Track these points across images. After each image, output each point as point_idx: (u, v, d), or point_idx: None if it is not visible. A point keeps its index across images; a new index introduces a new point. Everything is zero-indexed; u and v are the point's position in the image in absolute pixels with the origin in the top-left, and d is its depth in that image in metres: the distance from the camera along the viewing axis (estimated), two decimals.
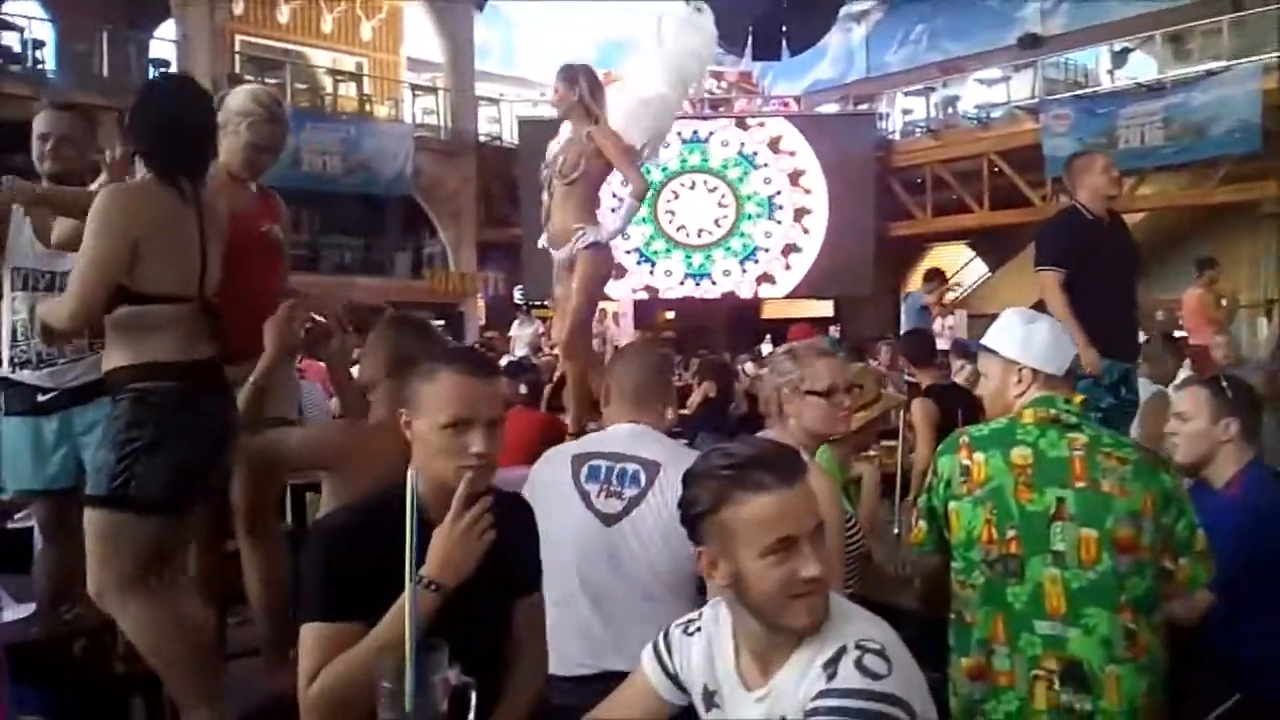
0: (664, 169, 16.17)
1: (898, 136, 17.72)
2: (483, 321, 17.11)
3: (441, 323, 16.04)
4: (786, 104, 18.91)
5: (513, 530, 1.83)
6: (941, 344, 7.94)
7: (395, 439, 1.87)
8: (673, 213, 16.53)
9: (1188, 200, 14.70)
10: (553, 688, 2.05)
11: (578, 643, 2.22)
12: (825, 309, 18.06)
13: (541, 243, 3.86)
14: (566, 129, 3.85)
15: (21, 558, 3.00)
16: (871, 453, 3.92)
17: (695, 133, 16.71)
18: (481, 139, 17.70)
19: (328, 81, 17.07)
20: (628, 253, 15.85)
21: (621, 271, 15.40)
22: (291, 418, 3.01)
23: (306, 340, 2.81)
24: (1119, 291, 4.19)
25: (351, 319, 2.94)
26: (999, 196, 16.04)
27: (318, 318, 2.88)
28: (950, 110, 17.29)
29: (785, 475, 1.46)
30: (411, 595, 1.50)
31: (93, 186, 2.80)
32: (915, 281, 16.79)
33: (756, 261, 16.73)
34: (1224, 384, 2.64)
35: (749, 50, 11.68)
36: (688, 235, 16.69)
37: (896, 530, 3.09)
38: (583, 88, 3.73)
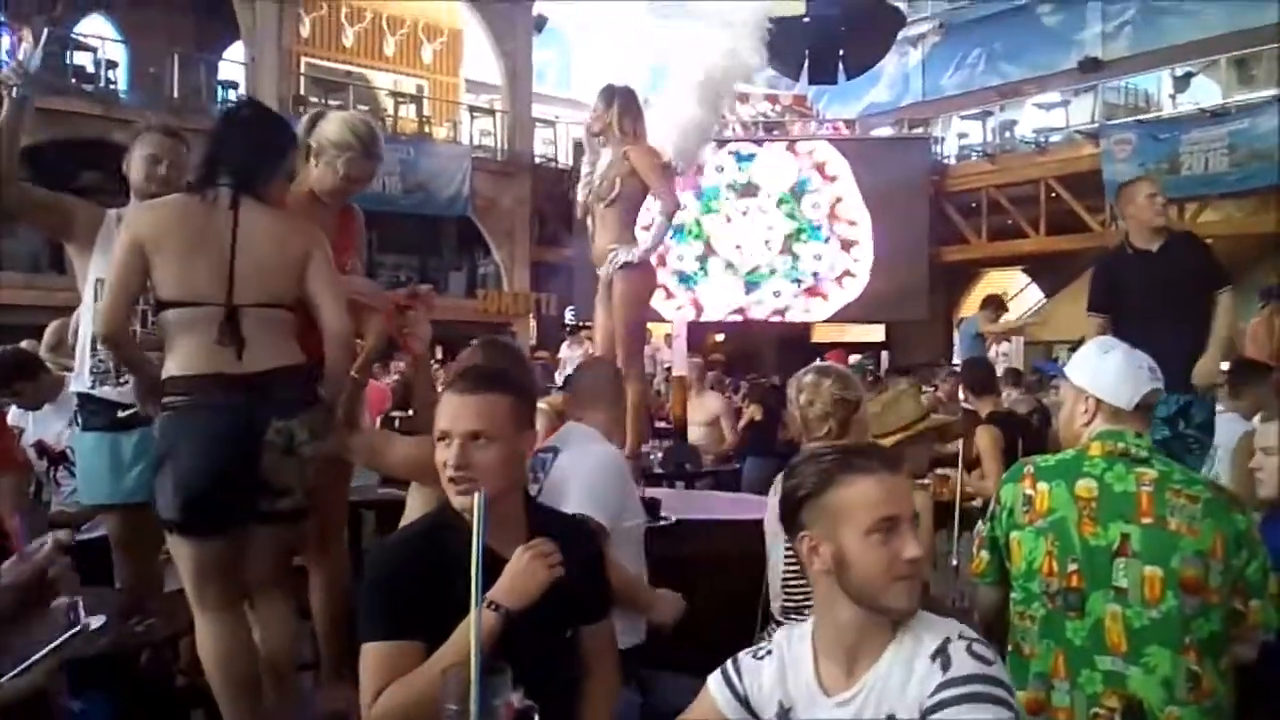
0: (714, 192, 16.21)
1: (953, 160, 17.59)
2: (534, 341, 17.23)
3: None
4: (838, 128, 18.87)
5: (578, 557, 1.85)
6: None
7: None
8: (724, 235, 16.55)
9: (1253, 227, 14.38)
10: None
11: None
12: (877, 333, 17.93)
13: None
14: (605, 152, 3.85)
15: (104, 570, 3.06)
16: (925, 481, 3.88)
17: (747, 155, 16.73)
18: (537, 160, 17.89)
19: (389, 103, 17.38)
20: (677, 275, 15.91)
21: (669, 293, 15.46)
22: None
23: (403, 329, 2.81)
24: (1169, 319, 3.99)
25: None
26: (1056, 222, 15.83)
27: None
28: (1007, 134, 17.14)
29: (887, 463, 1.56)
30: (477, 618, 1.50)
31: None
32: (969, 306, 16.62)
33: (807, 285, 16.68)
34: None
35: (805, 74, 11.66)
36: (739, 258, 16.69)
37: (955, 562, 3.06)
38: (618, 108, 3.75)
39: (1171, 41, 17.17)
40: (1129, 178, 14.14)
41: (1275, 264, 13.42)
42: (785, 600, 2.54)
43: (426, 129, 17.25)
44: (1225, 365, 4.51)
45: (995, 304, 8.65)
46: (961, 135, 17.85)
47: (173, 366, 2.44)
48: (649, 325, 9.94)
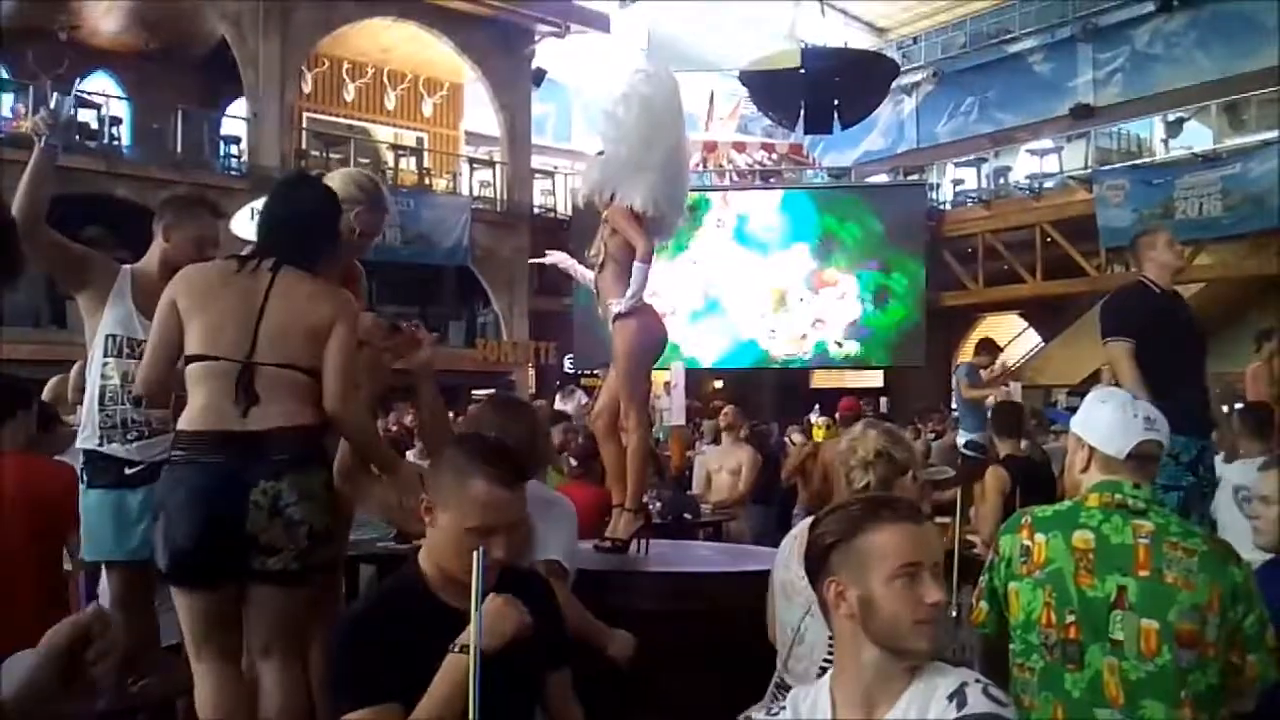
0: (705, 238, 16.34)
1: (948, 206, 17.74)
2: (533, 390, 17.26)
3: (492, 391, 16.24)
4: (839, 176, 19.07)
5: (538, 607, 1.92)
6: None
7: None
8: (721, 281, 16.65)
9: (1248, 271, 14.48)
10: None
11: None
12: (875, 379, 17.96)
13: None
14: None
15: None
16: None
17: (743, 203, 16.89)
18: (535, 210, 18.05)
19: (389, 156, 17.58)
20: (671, 316, 16.00)
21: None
22: None
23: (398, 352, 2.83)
24: (1190, 366, 4.05)
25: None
26: (1052, 266, 15.94)
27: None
28: (1002, 180, 17.30)
29: (912, 513, 1.63)
30: (475, 671, 1.56)
31: None
32: (968, 351, 16.66)
33: (805, 331, 16.75)
34: None
35: (801, 124, 11.84)
36: (737, 304, 16.78)
37: (955, 613, 3.04)
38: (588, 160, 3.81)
39: (1162, 88, 17.44)
40: (1124, 223, 14.30)
41: (1270, 307, 13.50)
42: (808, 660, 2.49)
43: (427, 180, 17.43)
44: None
45: (988, 347, 8.66)
46: (957, 182, 18.02)
47: (183, 421, 2.48)
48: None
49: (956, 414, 9.40)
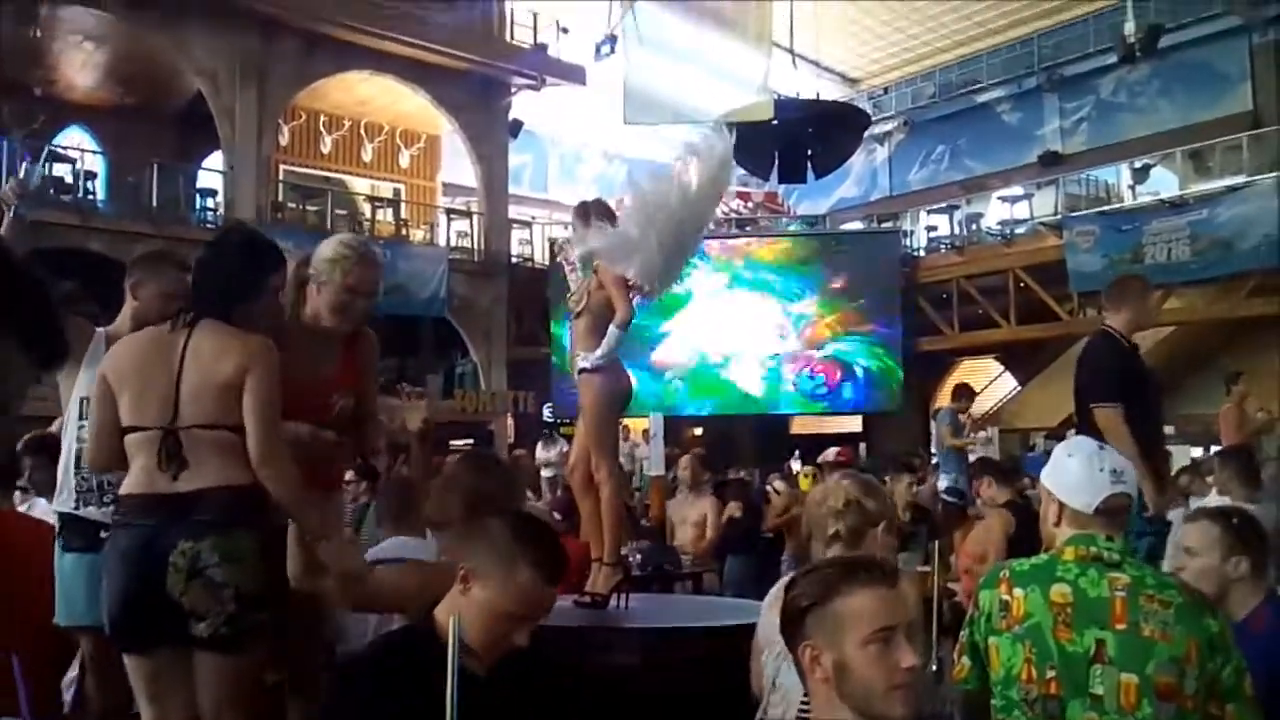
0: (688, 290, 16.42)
1: (922, 253, 17.94)
2: (512, 439, 17.19)
3: (470, 441, 16.15)
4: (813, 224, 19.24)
5: (545, 682, 1.95)
6: (972, 458, 7.91)
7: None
8: (700, 329, 16.72)
9: (1216, 314, 14.68)
10: None
11: None
12: (854, 424, 18.01)
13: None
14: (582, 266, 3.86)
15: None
16: None
17: (719, 251, 17.01)
18: (513, 260, 18.10)
19: (366, 207, 17.62)
20: (651, 368, 16.02)
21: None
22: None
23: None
24: (1156, 418, 4.14)
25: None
26: (1026, 311, 16.10)
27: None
28: (974, 227, 17.52)
29: (885, 575, 1.65)
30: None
31: None
32: (945, 396, 16.76)
33: (783, 377, 16.81)
34: (1234, 520, 2.53)
35: (775, 174, 11.99)
36: (715, 351, 16.84)
37: (934, 666, 3.00)
38: (591, 224, 3.79)
39: (1127, 136, 17.82)
40: (1094, 268, 14.46)
41: (1239, 350, 13.69)
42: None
43: (404, 232, 17.47)
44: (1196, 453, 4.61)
45: (965, 393, 8.72)
46: (930, 228, 18.23)
47: (123, 486, 2.49)
48: (627, 421, 9.97)
49: (936, 460, 9.43)
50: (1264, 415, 9.67)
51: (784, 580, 2.73)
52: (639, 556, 5.74)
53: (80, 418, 2.92)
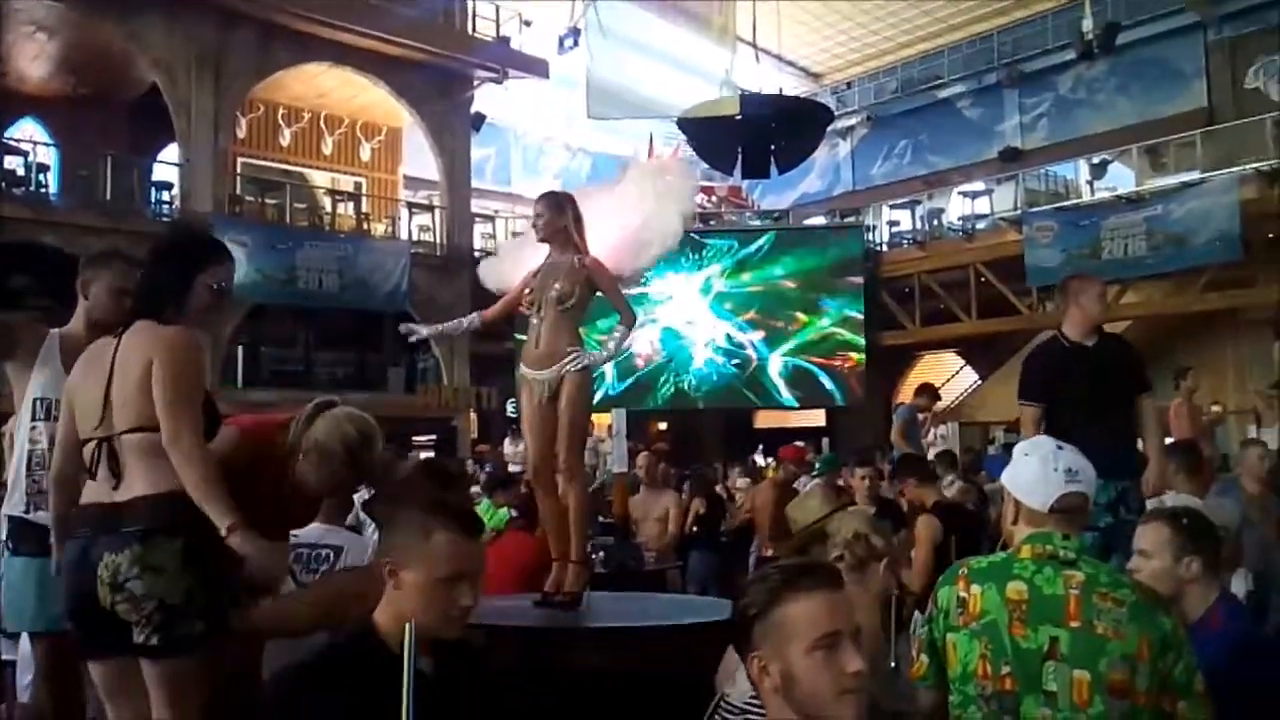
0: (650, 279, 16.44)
1: (885, 248, 18.06)
2: (475, 435, 17.11)
3: (434, 437, 16.05)
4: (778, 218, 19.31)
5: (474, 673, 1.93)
6: (932, 453, 7.97)
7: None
8: (664, 323, 16.74)
9: (1172, 309, 14.93)
10: None
11: None
12: (818, 418, 18.11)
13: (523, 369, 3.75)
14: (550, 254, 3.78)
15: None
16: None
17: (686, 245, 17.01)
18: (476, 254, 17.98)
19: (327, 201, 17.44)
20: (620, 363, 16.01)
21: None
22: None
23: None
24: (1107, 412, 4.18)
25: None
26: (987, 305, 16.28)
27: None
28: (936, 222, 17.67)
29: (829, 580, 1.62)
30: None
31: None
32: (907, 390, 16.89)
33: (747, 371, 16.87)
34: (1185, 521, 2.55)
35: (739, 168, 11.98)
36: (680, 345, 16.86)
37: (893, 663, 3.02)
38: (572, 216, 3.75)
39: (1085, 132, 18.06)
40: (1052, 263, 14.63)
41: (1194, 344, 13.92)
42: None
43: (365, 225, 17.32)
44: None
45: (929, 392, 8.77)
46: (892, 223, 18.36)
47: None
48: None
49: (895, 454, 9.49)
50: (1217, 409, 9.85)
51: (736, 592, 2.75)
52: (602, 554, 5.73)
53: (33, 419, 2.88)
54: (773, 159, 11.64)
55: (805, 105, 14.93)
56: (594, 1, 16.18)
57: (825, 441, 15.00)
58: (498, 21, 17.73)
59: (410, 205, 18.15)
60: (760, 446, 13.58)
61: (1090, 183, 16.45)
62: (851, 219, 18.95)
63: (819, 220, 20.12)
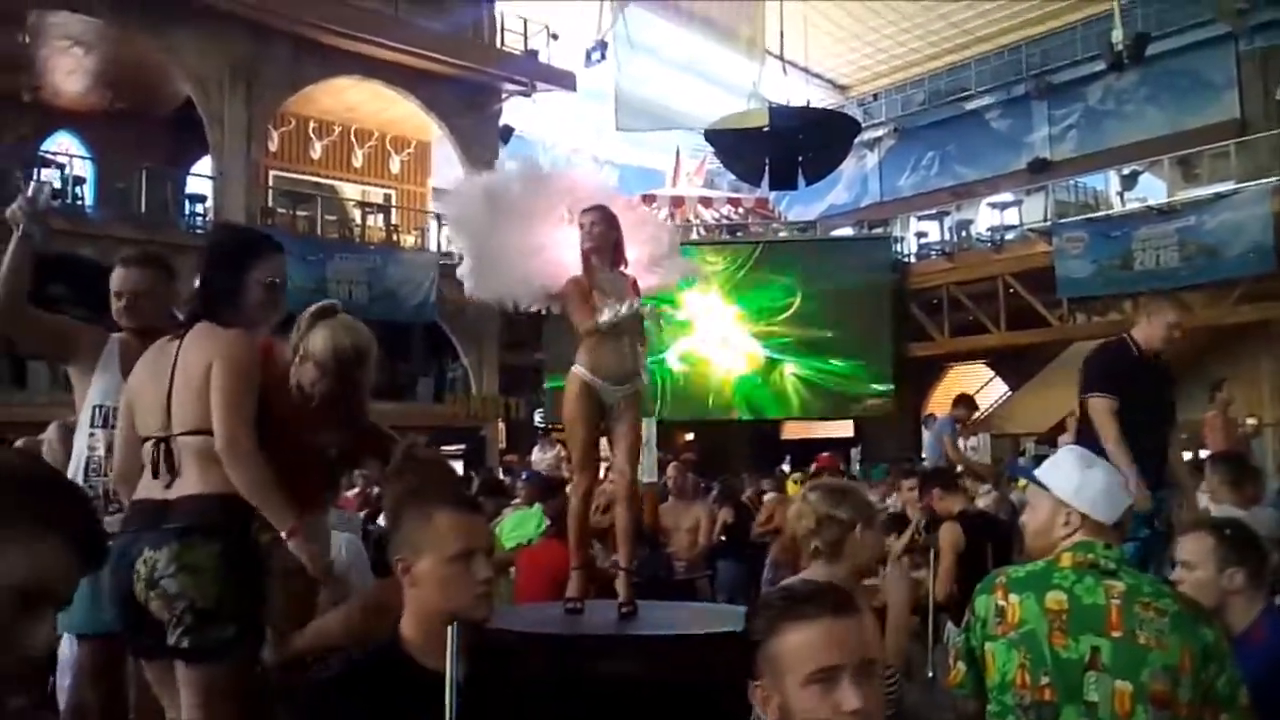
0: (677, 292, 16.42)
1: (913, 259, 17.98)
2: (503, 445, 17.17)
3: (462, 446, 16.12)
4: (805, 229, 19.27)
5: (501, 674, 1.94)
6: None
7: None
8: (690, 335, 16.75)
9: (1205, 321, 14.74)
10: None
11: None
12: (846, 429, 18.03)
13: (597, 381, 3.66)
14: (606, 271, 3.70)
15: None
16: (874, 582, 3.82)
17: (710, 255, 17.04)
18: None
19: (356, 213, 17.59)
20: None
21: None
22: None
23: None
24: (1156, 424, 4.24)
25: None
26: (1016, 317, 16.16)
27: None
28: (964, 233, 17.57)
29: (834, 608, 1.48)
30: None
31: None
32: (936, 401, 16.80)
33: (772, 382, 16.84)
34: (1228, 531, 2.52)
35: (766, 180, 12.02)
36: (708, 355, 16.85)
37: (931, 673, 2.99)
38: (619, 230, 3.75)
39: (1114, 143, 17.92)
40: (1083, 274, 14.46)
41: (1228, 356, 13.75)
42: None
43: (394, 237, 17.44)
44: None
45: (967, 403, 8.67)
46: (920, 235, 18.27)
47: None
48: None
49: (926, 463, 9.44)
50: (1253, 422, 9.73)
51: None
52: (635, 564, 5.72)
53: (91, 425, 2.91)
54: (800, 171, 11.66)
55: (833, 117, 14.95)
56: (622, 14, 16.26)
57: (854, 452, 14.94)
58: (526, 35, 17.85)
59: (439, 217, 18.25)
60: (789, 457, 13.54)
61: (1121, 194, 16.31)
62: (879, 230, 18.88)
63: (847, 231, 20.08)
